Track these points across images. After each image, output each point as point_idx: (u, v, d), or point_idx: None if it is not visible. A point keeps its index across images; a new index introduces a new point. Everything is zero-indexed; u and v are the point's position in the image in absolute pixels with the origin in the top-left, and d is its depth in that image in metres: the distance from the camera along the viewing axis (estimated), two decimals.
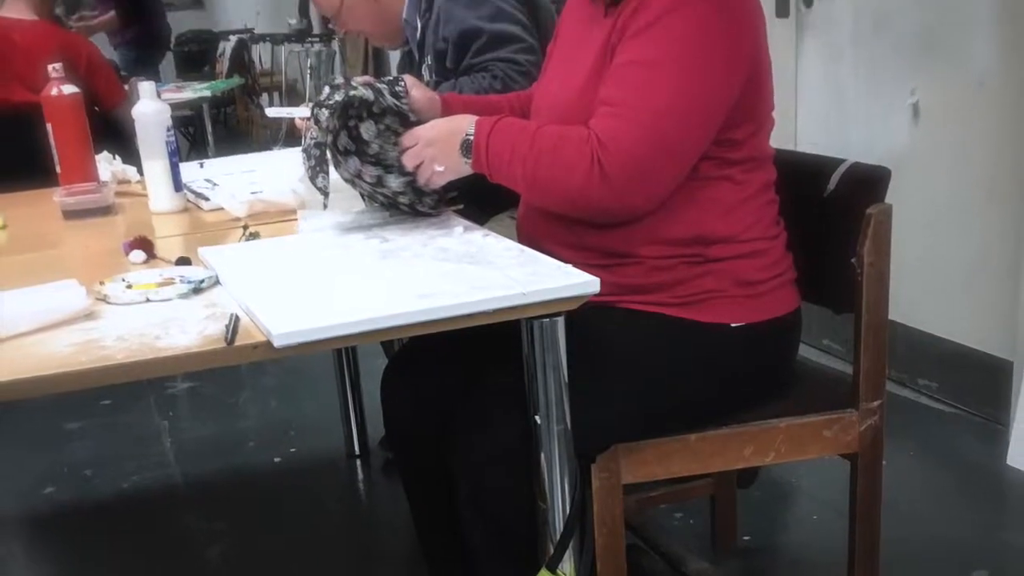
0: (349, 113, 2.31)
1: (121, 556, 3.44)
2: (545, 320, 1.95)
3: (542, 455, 2.05)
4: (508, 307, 1.88)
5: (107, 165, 3.20)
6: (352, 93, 2.29)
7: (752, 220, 2.29)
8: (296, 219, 2.55)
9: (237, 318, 1.85)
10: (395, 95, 2.38)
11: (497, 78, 3.00)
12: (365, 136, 2.33)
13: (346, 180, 2.40)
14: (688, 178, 2.18)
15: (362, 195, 2.48)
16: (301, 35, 10.83)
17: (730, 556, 3.13)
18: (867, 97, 4.22)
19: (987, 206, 3.77)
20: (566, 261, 2.03)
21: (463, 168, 2.29)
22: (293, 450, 4.11)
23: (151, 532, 3.61)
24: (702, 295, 2.24)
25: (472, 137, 2.23)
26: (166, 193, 2.84)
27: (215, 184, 3.01)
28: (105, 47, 7.37)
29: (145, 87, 2.86)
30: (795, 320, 2.38)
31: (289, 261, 2.23)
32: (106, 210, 2.89)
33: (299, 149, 2.42)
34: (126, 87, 5.38)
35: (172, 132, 2.86)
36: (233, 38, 11.49)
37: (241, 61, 10.99)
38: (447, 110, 2.49)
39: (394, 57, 5.11)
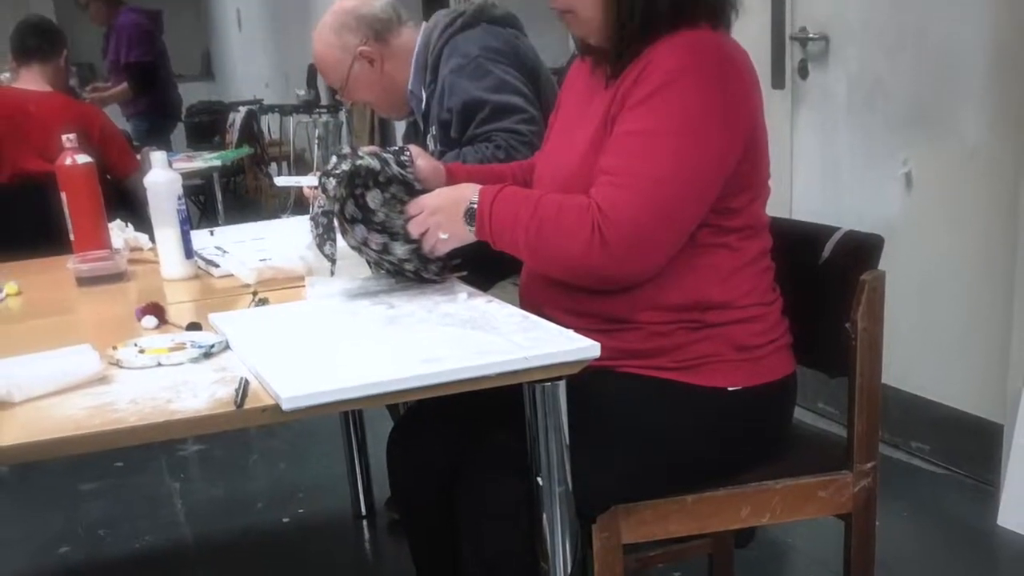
0: (356, 182, 2.32)
1: None
2: (547, 384, 1.96)
3: (544, 515, 2.05)
4: (511, 371, 1.89)
5: (120, 233, 3.21)
6: (359, 162, 2.31)
7: (749, 287, 2.30)
8: (304, 285, 2.56)
9: (247, 382, 1.85)
10: (401, 164, 2.40)
11: (500, 148, 3.02)
12: (371, 204, 2.34)
13: (353, 247, 2.41)
14: (686, 245, 2.19)
15: (369, 262, 2.49)
16: (309, 106, 10.87)
17: None
18: (861, 167, 4.23)
19: (978, 273, 3.78)
20: (567, 326, 2.04)
21: (467, 236, 2.30)
22: (301, 511, 4.10)
23: None
24: (700, 359, 2.25)
25: (476, 205, 2.25)
26: (177, 260, 2.85)
27: (225, 251, 3.02)
28: (118, 118, 7.40)
29: (157, 157, 2.88)
30: (791, 384, 2.39)
31: (297, 326, 2.24)
32: (119, 277, 2.89)
33: (307, 217, 2.43)
34: (139, 157, 5.41)
35: (183, 200, 2.87)
36: (243, 109, 11.53)
37: (251, 131, 11.02)
38: (451, 179, 2.51)
39: (400, 127, 5.13)
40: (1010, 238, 3.49)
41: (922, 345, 4.00)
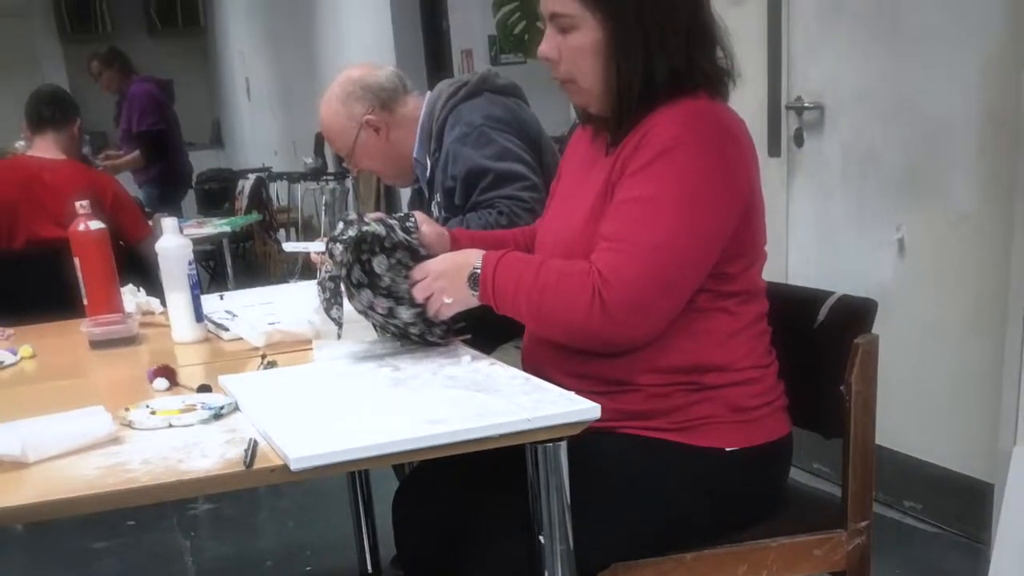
0: (362, 248, 2.33)
1: None
2: (549, 444, 1.97)
3: (546, 573, 2.05)
4: (513, 432, 1.90)
5: (132, 297, 3.22)
6: (365, 228, 2.32)
7: (746, 350, 2.31)
8: (312, 348, 2.57)
9: (255, 443, 1.86)
10: (406, 230, 2.41)
11: (503, 214, 3.04)
12: (377, 270, 2.35)
13: (359, 311, 2.42)
14: (685, 310, 2.20)
15: (374, 326, 2.49)
16: (316, 173, 10.89)
17: None
18: (855, 233, 4.25)
19: (969, 336, 3.79)
20: (569, 388, 2.04)
21: (471, 300, 2.31)
22: (309, 568, 4.10)
23: None
24: (698, 421, 2.26)
25: (479, 271, 2.26)
26: (188, 324, 2.86)
27: (235, 315, 3.03)
28: (130, 185, 7.43)
29: (168, 223, 2.90)
30: (786, 444, 2.40)
31: (305, 388, 2.24)
32: (131, 340, 2.90)
33: (315, 282, 2.44)
34: (150, 223, 5.43)
35: (194, 266, 2.88)
36: (252, 176, 11.57)
37: (259, 198, 11.05)
38: (455, 245, 2.52)
39: (405, 194, 5.15)
40: (1000, 302, 3.50)
41: (914, 406, 4.00)
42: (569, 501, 2.02)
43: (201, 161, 12.19)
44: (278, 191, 11.94)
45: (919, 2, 3.83)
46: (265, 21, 13.33)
